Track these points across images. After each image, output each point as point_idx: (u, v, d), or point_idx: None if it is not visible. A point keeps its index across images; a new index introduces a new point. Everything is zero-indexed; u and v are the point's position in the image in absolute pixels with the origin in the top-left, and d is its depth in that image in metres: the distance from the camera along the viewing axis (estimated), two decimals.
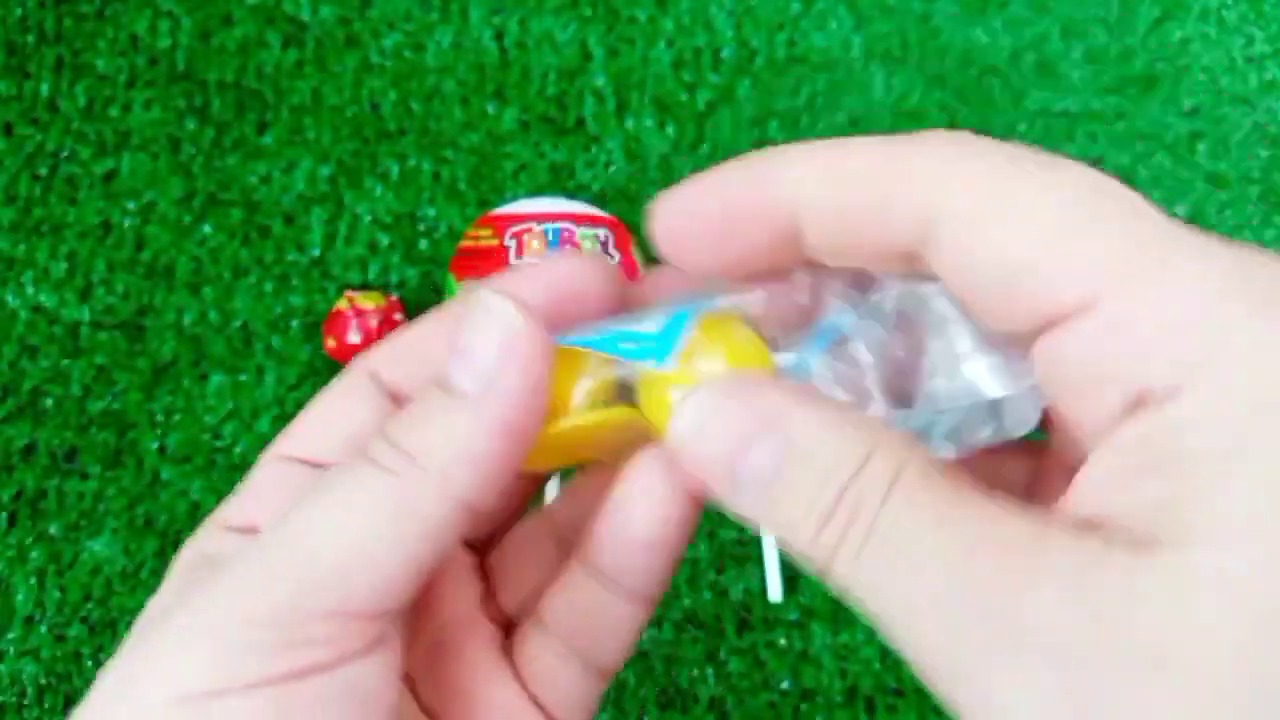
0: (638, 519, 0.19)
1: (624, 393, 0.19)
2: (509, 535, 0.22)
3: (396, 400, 0.20)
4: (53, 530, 0.44)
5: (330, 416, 0.20)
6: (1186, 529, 0.13)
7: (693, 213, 0.18)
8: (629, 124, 0.51)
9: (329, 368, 0.47)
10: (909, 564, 0.14)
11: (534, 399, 0.17)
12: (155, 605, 0.18)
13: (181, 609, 0.16)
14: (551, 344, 0.17)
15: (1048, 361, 0.15)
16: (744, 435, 0.16)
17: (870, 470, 0.15)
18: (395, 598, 0.17)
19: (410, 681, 0.20)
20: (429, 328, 0.20)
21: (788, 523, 0.16)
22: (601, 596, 0.20)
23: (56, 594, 0.43)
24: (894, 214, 0.16)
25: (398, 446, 0.17)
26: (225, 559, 0.17)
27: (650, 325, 0.18)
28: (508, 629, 0.21)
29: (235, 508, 0.19)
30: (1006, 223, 0.16)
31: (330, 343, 0.45)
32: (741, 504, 0.17)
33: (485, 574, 0.22)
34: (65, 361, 0.47)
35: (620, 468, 0.19)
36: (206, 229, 0.49)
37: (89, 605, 0.43)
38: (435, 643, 0.20)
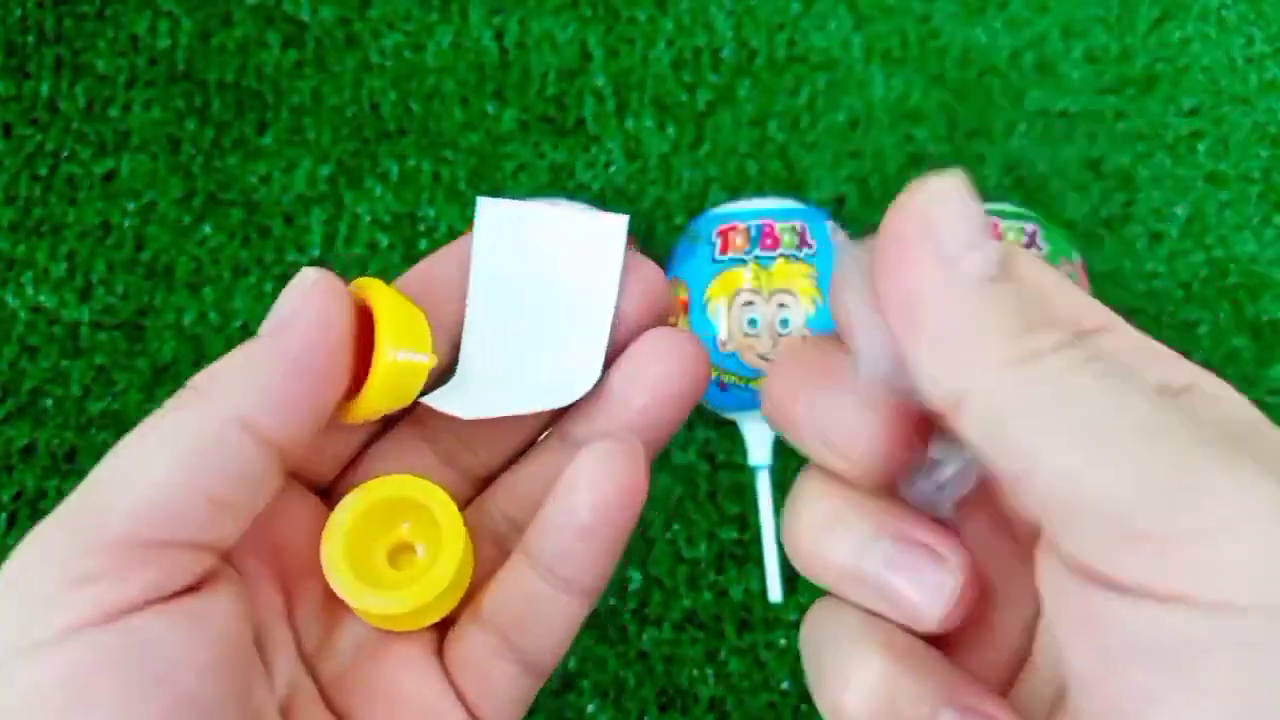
0: (580, 505, 0.19)
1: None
2: None
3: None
4: None
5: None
6: None
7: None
8: (629, 124, 0.51)
9: None
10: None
11: (325, 334, 0.18)
12: None
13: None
14: (345, 291, 0.19)
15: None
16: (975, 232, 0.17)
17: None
18: (193, 524, 0.17)
19: (319, 679, 0.20)
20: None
21: (987, 317, 0.16)
22: (540, 588, 0.20)
23: None
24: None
25: (186, 386, 0.18)
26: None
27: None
28: (443, 629, 0.21)
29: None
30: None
31: None
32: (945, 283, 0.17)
33: None
34: (65, 362, 0.47)
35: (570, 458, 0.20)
36: (206, 229, 0.49)
37: None
38: (362, 638, 0.20)
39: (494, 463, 0.23)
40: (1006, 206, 0.45)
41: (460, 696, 0.20)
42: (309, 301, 0.18)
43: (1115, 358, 0.15)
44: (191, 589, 0.17)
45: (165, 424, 0.17)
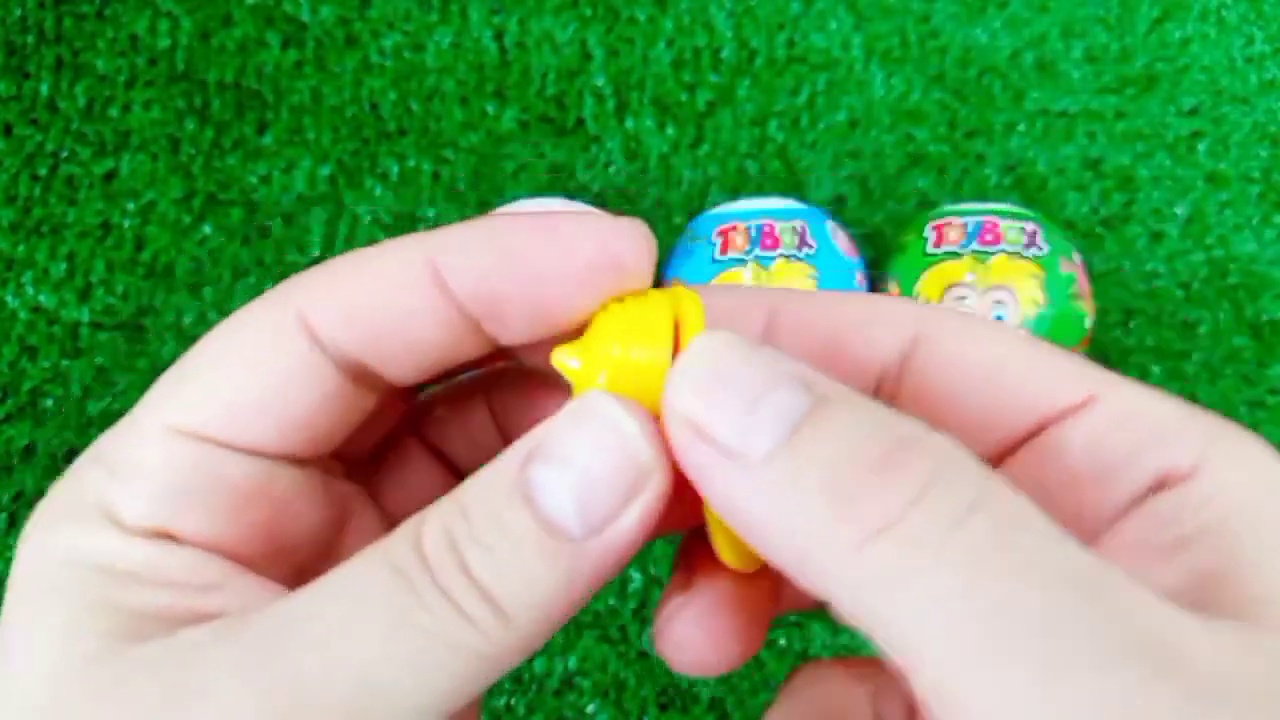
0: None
1: None
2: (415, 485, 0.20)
3: (340, 366, 0.16)
4: None
5: (241, 375, 0.15)
6: (1245, 601, 0.13)
7: None
8: (629, 124, 0.51)
9: None
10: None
11: (637, 548, 0.15)
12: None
13: None
14: (671, 483, 0.14)
15: (1046, 456, 0.15)
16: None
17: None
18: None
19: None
20: (385, 271, 0.16)
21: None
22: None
23: None
24: (875, 333, 0.16)
25: (484, 591, 0.14)
26: (213, 658, 0.13)
27: None
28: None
29: (123, 492, 0.15)
30: (990, 340, 0.16)
31: None
32: None
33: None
34: (65, 362, 0.47)
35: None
36: (206, 229, 0.49)
37: None
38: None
39: None
40: (1006, 206, 0.45)
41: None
42: (635, 506, 0.14)
43: (1006, 496, 0.13)
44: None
45: (465, 653, 0.14)
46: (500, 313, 0.16)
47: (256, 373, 0.15)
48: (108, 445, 0.15)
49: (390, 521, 0.19)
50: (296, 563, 0.17)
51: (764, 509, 0.13)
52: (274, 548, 0.16)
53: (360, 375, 0.16)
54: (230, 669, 0.13)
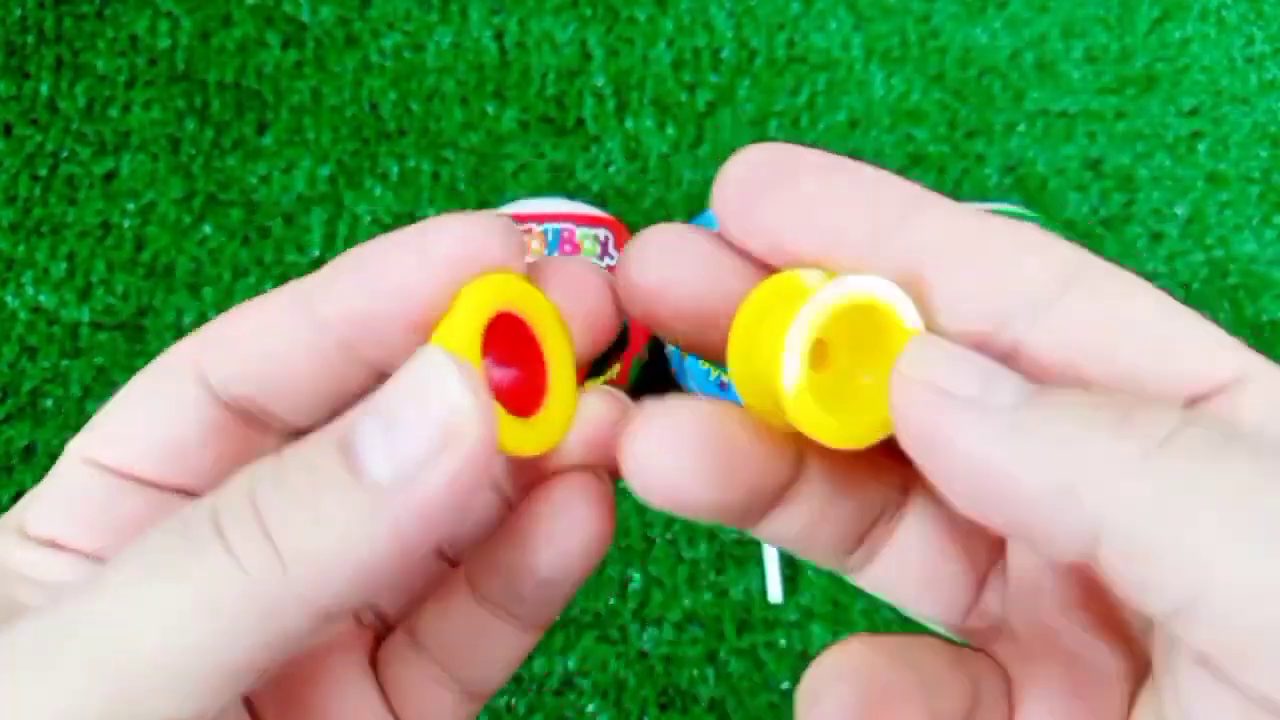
0: (542, 561, 0.17)
1: None
2: None
3: (230, 409, 0.16)
4: None
5: (139, 414, 0.16)
6: None
7: None
8: (629, 124, 0.51)
9: None
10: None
11: (457, 510, 0.14)
12: None
13: None
14: (494, 442, 0.14)
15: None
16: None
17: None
18: (220, 702, 0.14)
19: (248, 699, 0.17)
20: (265, 310, 0.16)
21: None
22: (488, 623, 0.18)
23: None
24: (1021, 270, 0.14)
25: (265, 531, 0.13)
26: (23, 620, 0.14)
27: None
28: (378, 632, 0.19)
29: (34, 510, 0.16)
30: (1134, 300, 0.14)
31: None
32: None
33: None
34: (65, 362, 0.47)
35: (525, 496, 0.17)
36: (206, 229, 0.49)
37: None
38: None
39: None
40: (1006, 206, 0.45)
41: (397, 717, 0.18)
42: (450, 455, 0.13)
43: (1251, 424, 0.13)
44: None
45: (229, 599, 0.13)
46: (374, 331, 0.16)
47: (149, 413, 0.16)
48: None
49: None
50: None
51: (1017, 447, 0.13)
52: None
53: (254, 416, 0.17)
54: (11, 635, 0.14)
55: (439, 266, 0.15)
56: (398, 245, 0.15)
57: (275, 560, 0.13)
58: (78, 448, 0.16)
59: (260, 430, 0.17)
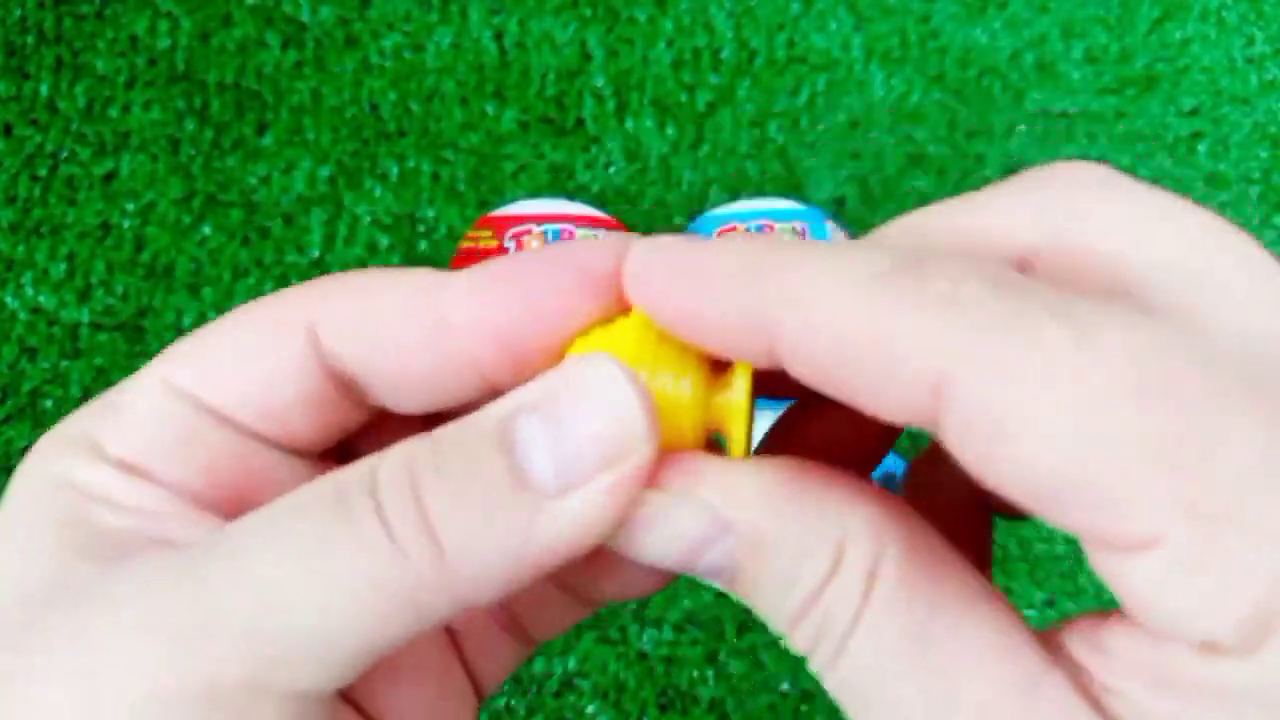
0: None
1: None
2: None
3: (331, 375, 0.16)
4: None
5: (241, 354, 0.16)
6: None
7: (675, 281, 0.14)
8: (629, 124, 0.51)
9: None
10: (882, 694, 0.13)
11: (616, 524, 0.14)
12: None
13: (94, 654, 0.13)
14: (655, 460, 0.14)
15: (1109, 577, 0.13)
16: (696, 539, 0.14)
17: (842, 574, 0.13)
18: (356, 675, 0.14)
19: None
20: (396, 294, 0.16)
21: (761, 610, 0.14)
22: (554, 593, 0.18)
23: None
24: (897, 380, 0.13)
25: (428, 523, 0.13)
26: (158, 575, 0.14)
27: None
28: None
29: (111, 429, 0.16)
30: (1038, 421, 0.12)
31: None
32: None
33: None
34: (65, 363, 0.47)
35: None
36: (206, 230, 0.49)
37: None
38: None
39: None
40: None
41: (459, 654, 0.19)
42: (615, 473, 0.13)
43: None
44: None
45: (386, 584, 0.13)
46: (509, 344, 0.15)
47: (251, 356, 0.16)
48: (113, 389, 0.16)
49: None
50: None
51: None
52: (245, 507, 0.16)
53: (352, 390, 0.16)
54: (145, 586, 0.13)
55: (589, 286, 0.15)
56: (546, 262, 0.15)
57: (437, 553, 0.13)
58: (166, 374, 0.16)
59: (352, 403, 0.17)
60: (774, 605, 0.14)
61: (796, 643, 0.14)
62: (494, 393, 0.16)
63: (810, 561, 0.13)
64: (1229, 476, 0.11)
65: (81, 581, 0.14)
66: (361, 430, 0.17)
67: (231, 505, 0.16)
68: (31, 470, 0.16)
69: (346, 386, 0.16)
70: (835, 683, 0.14)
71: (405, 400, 0.16)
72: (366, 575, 0.13)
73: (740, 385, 0.15)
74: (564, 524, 0.13)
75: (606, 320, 0.15)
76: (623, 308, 0.15)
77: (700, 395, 0.15)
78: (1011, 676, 0.12)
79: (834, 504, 0.14)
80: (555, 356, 0.15)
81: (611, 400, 0.14)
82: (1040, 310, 0.12)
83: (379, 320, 0.16)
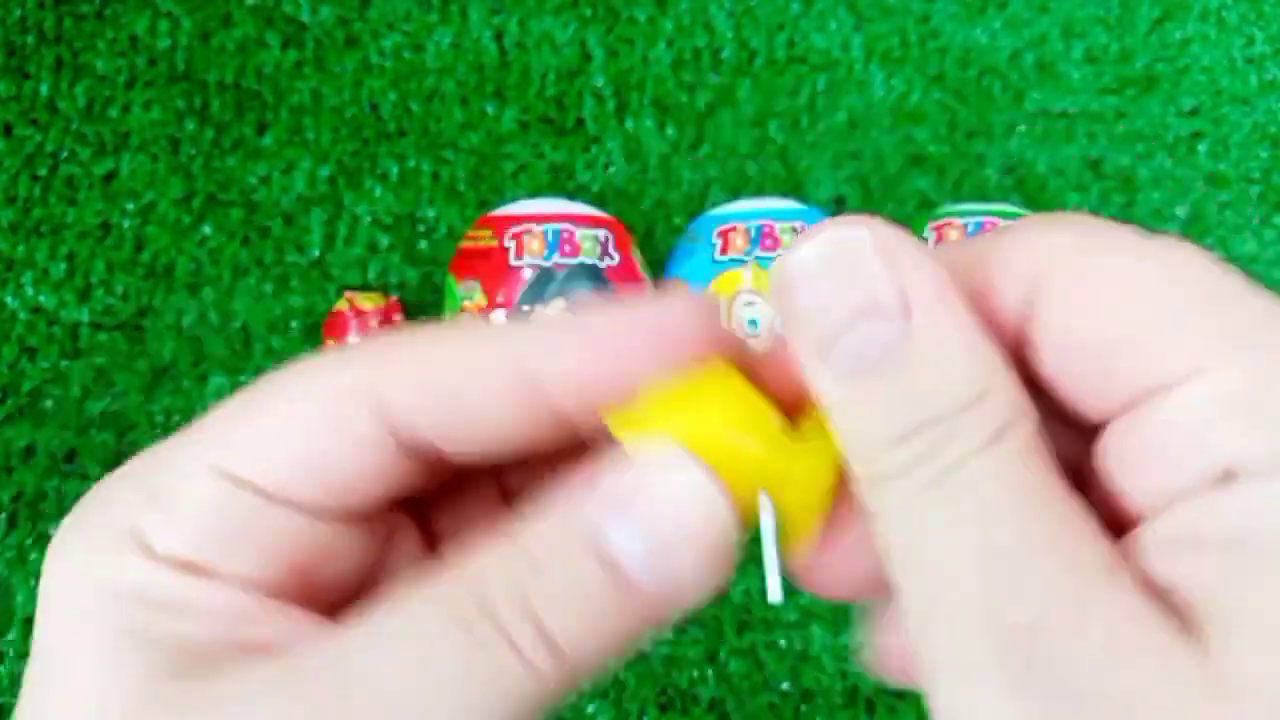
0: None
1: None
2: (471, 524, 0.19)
3: (402, 442, 0.16)
4: (52, 532, 0.44)
5: (302, 433, 0.15)
6: (1227, 618, 0.13)
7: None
8: (629, 124, 0.51)
9: None
10: (958, 534, 0.13)
11: (704, 601, 0.15)
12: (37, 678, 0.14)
13: None
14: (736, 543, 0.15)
15: (1134, 427, 0.14)
16: (863, 304, 0.14)
17: (977, 413, 0.14)
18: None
19: None
20: (468, 353, 0.16)
21: (852, 420, 0.14)
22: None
23: None
24: (999, 294, 0.15)
25: (546, 633, 0.14)
26: (246, 690, 0.14)
27: None
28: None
29: (161, 526, 0.15)
30: (1105, 297, 0.14)
31: (330, 344, 0.45)
32: (813, 376, 0.15)
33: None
34: (65, 362, 0.47)
35: None
36: (206, 230, 0.49)
37: None
38: None
39: None
40: (1006, 207, 0.45)
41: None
42: (705, 563, 0.15)
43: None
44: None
45: (520, 695, 0.14)
46: (589, 396, 0.16)
47: (314, 434, 0.15)
48: (147, 470, 0.16)
49: (432, 539, 0.19)
50: (334, 592, 0.17)
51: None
52: (310, 584, 0.16)
53: (421, 450, 0.16)
54: (259, 707, 0.14)
55: (671, 345, 0.16)
56: (629, 319, 0.16)
57: (562, 659, 0.14)
58: (216, 460, 0.15)
59: (415, 464, 0.16)
60: (888, 413, 0.14)
61: (888, 462, 0.14)
62: (558, 432, 0.16)
63: (959, 386, 0.14)
64: (1259, 315, 0.14)
65: (183, 703, 0.14)
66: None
67: (296, 587, 0.16)
68: (73, 574, 0.15)
69: (412, 449, 0.16)
70: (895, 517, 0.14)
71: (472, 452, 0.17)
72: (510, 694, 0.14)
73: (821, 431, 0.16)
74: (662, 610, 0.15)
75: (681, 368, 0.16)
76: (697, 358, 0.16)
77: (775, 445, 0.16)
78: (1099, 551, 0.14)
79: (991, 354, 0.14)
80: (629, 397, 0.16)
81: (695, 498, 0.15)
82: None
83: (457, 384, 0.16)
